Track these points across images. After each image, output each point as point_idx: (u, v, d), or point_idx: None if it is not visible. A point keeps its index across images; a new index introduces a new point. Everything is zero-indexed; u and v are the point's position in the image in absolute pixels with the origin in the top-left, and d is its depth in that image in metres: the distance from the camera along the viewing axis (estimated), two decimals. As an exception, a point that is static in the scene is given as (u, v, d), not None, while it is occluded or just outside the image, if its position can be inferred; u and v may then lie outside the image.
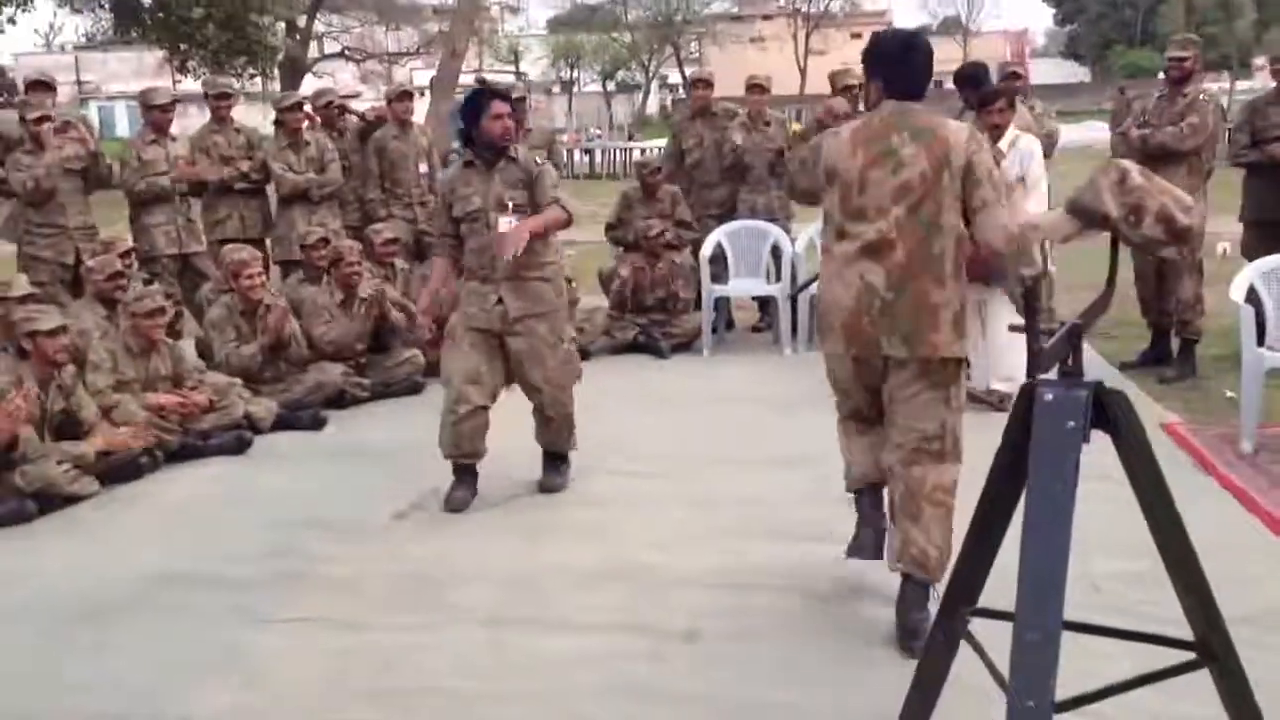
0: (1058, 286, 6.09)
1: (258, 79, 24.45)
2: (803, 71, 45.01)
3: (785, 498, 4.31)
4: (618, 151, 24.63)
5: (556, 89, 47.12)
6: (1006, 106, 5.48)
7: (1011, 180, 5.35)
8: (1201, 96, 5.96)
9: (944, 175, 3.02)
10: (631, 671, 3.07)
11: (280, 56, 23.34)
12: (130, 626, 3.46)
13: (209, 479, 4.92)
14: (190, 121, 9.54)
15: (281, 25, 24.11)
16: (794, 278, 7.02)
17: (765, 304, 7.70)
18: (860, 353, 3.14)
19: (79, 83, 39.17)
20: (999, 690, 1.89)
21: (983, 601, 2.06)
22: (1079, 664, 2.27)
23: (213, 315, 5.96)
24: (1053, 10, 62.22)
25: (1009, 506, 1.99)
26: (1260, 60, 34.68)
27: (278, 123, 7.27)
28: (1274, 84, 6.28)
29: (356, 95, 11.75)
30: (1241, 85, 34.18)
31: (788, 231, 7.27)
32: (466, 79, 12.67)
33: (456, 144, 6.70)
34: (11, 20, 19.77)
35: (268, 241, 7.25)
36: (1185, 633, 1.92)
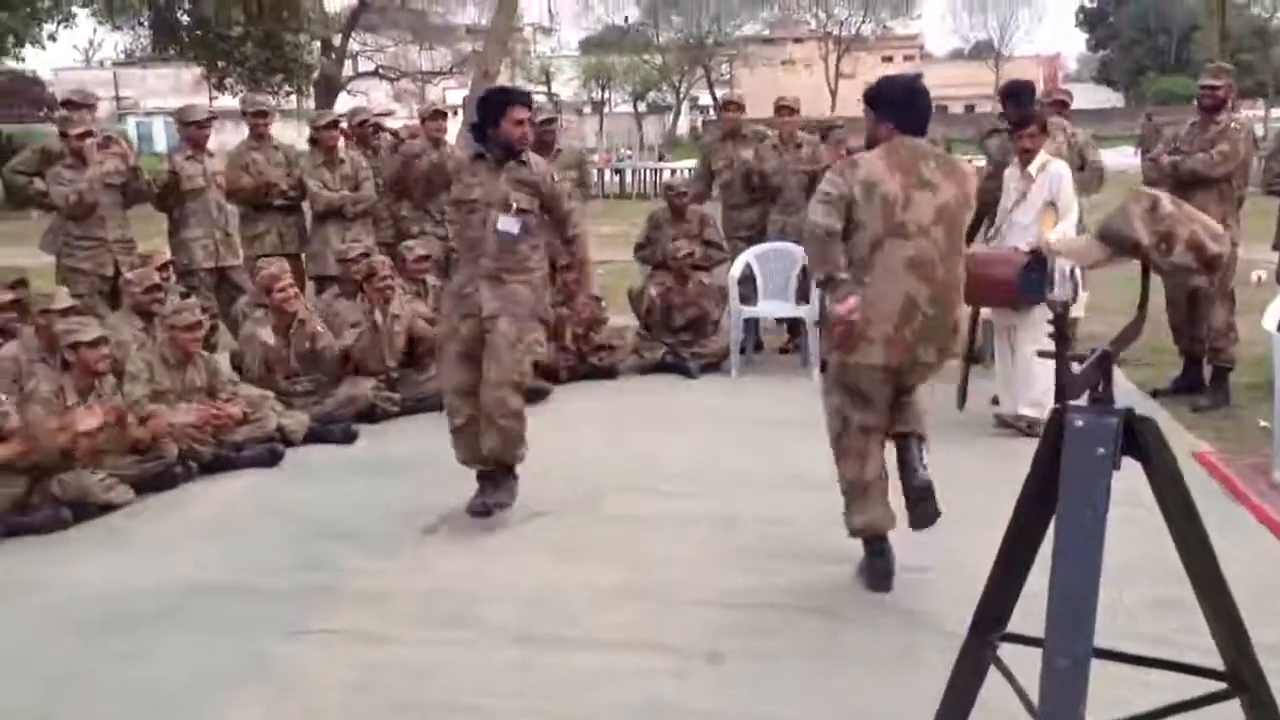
0: (1089, 309, 6.04)
1: (293, 96, 24.79)
2: (833, 94, 45.03)
3: (810, 519, 4.31)
4: (648, 172, 24.68)
5: (588, 109, 47.32)
6: (1039, 132, 5.50)
7: (1041, 204, 5.36)
8: (1233, 124, 5.98)
9: (966, 203, 3.51)
10: (655, 690, 3.09)
11: (315, 74, 23.65)
12: (162, 635, 3.51)
13: (241, 490, 4.99)
14: (226, 138, 9.69)
15: (317, 44, 24.45)
16: (822, 301, 7.01)
17: (793, 326, 7.71)
18: (896, 363, 3.49)
19: (117, 98, 39.79)
20: (1028, 716, 1.89)
21: (1011, 628, 2.06)
22: (1108, 691, 2.26)
23: (246, 330, 6.04)
24: (1086, 35, 62.08)
25: (1038, 532, 1.99)
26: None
27: (313, 140, 7.37)
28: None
29: (390, 113, 11.85)
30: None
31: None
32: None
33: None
34: (52, 36, 20.18)
35: (303, 257, 7.34)
36: (1216, 662, 1.92)
